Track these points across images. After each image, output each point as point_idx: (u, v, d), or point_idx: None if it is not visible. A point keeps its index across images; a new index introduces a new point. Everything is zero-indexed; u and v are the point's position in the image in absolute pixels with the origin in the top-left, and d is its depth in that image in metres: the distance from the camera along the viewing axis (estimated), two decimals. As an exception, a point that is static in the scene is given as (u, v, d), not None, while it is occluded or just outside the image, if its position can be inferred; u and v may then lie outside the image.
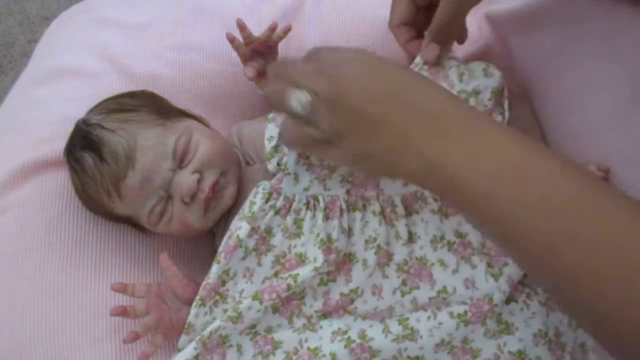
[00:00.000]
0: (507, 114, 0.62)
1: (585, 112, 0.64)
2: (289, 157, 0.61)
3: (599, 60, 0.63)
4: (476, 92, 0.60)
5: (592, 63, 0.64)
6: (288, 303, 0.60)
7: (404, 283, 0.60)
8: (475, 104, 0.61)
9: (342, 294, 0.60)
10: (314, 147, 0.53)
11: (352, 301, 0.60)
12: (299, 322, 0.60)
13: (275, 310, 0.60)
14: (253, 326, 0.60)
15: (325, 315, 0.60)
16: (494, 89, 0.61)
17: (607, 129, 0.62)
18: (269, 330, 0.60)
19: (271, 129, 0.63)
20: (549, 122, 0.70)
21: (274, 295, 0.58)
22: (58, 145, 0.70)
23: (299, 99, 0.49)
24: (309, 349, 0.58)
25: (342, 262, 0.61)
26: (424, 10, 0.63)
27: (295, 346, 0.59)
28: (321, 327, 0.59)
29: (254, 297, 0.59)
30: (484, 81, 0.61)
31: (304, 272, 0.59)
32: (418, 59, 0.63)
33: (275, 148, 0.62)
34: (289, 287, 0.59)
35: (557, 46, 0.68)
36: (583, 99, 0.65)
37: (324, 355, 0.57)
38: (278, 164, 0.62)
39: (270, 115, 0.65)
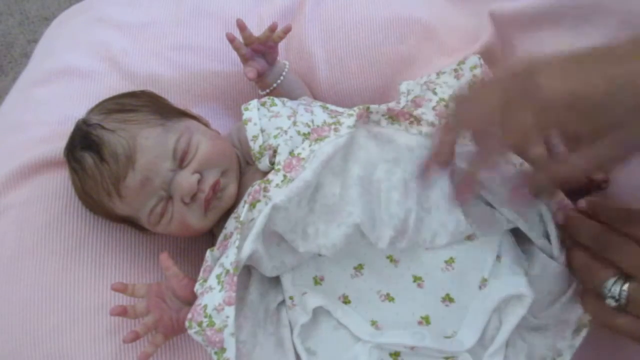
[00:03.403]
0: None
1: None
2: (280, 155, 0.61)
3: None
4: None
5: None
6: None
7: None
8: None
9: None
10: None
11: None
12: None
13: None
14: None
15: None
16: (470, 81, 0.68)
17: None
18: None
19: (251, 129, 0.64)
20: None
21: None
22: (58, 145, 0.70)
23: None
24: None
25: None
26: None
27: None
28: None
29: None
30: (456, 83, 0.69)
31: None
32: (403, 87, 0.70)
33: (262, 147, 0.63)
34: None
35: (564, 44, 0.68)
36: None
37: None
38: (271, 163, 0.62)
39: (245, 117, 0.65)
